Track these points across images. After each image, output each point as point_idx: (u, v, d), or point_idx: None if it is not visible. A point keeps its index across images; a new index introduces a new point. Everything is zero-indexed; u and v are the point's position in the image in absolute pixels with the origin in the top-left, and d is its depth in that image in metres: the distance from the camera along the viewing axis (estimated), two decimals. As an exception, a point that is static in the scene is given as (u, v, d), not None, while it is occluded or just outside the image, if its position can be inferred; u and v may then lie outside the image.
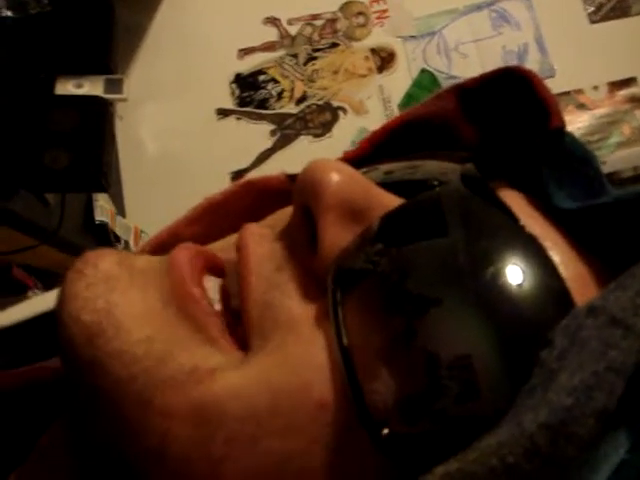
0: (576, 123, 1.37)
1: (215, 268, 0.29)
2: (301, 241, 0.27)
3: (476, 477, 0.20)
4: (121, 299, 0.26)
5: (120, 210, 1.38)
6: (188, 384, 0.25)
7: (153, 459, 0.24)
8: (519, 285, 0.23)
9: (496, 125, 0.34)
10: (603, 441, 0.21)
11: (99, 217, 1.27)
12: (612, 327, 0.21)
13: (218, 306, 0.27)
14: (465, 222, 0.25)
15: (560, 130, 0.31)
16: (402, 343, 0.23)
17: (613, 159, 1.34)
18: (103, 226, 1.28)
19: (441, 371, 0.22)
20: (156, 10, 1.50)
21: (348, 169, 0.27)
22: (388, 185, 0.28)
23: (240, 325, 0.27)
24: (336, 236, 0.26)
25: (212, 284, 0.28)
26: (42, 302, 0.38)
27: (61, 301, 0.27)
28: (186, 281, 0.27)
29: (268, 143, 1.46)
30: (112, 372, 0.25)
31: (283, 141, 1.47)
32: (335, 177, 0.26)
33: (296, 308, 0.26)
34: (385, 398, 0.23)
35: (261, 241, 0.28)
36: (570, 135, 0.31)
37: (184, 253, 0.28)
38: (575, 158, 0.31)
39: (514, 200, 0.28)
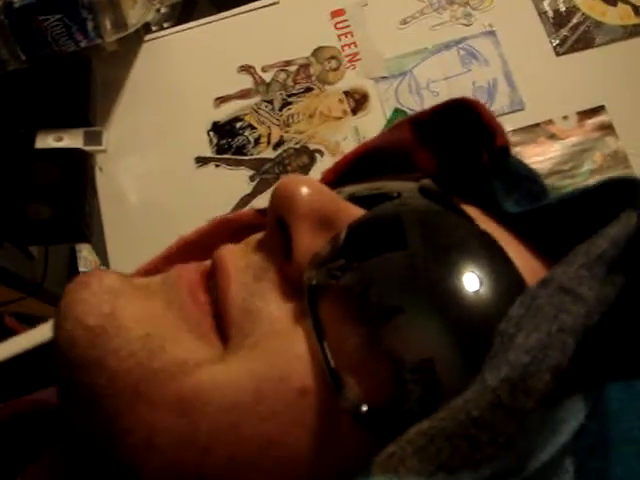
0: (548, 153, 1.39)
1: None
2: (276, 250, 0.30)
3: (446, 432, 0.21)
4: (126, 305, 0.28)
5: (104, 261, 1.38)
6: (176, 376, 0.26)
7: (143, 452, 0.25)
8: (478, 282, 0.25)
9: (450, 150, 0.37)
10: (561, 405, 0.23)
11: (83, 268, 1.27)
12: (562, 294, 0.24)
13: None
14: (423, 227, 0.27)
15: (505, 148, 0.34)
16: (370, 343, 0.25)
17: (587, 186, 1.36)
18: (87, 277, 1.27)
19: (405, 374, 0.24)
20: (133, 63, 1.52)
21: (317, 183, 0.30)
22: (353, 200, 0.31)
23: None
24: (309, 242, 0.28)
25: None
26: (24, 340, 0.39)
27: (65, 307, 0.28)
28: (195, 286, 0.29)
29: (248, 188, 1.47)
30: (109, 367, 0.26)
31: (263, 186, 1.48)
32: (305, 190, 0.29)
33: (275, 309, 0.28)
34: (360, 387, 0.25)
35: (238, 255, 0.31)
36: (514, 157, 0.35)
37: (190, 268, 0.31)
38: (520, 175, 0.35)
39: (468, 208, 0.31)
